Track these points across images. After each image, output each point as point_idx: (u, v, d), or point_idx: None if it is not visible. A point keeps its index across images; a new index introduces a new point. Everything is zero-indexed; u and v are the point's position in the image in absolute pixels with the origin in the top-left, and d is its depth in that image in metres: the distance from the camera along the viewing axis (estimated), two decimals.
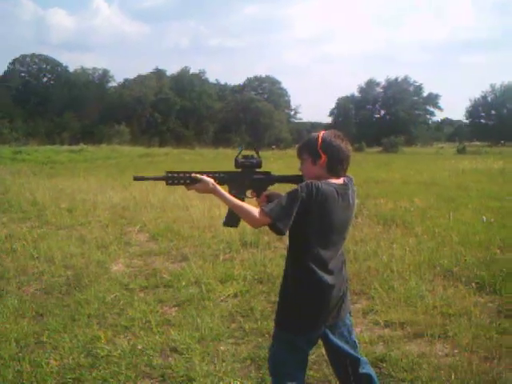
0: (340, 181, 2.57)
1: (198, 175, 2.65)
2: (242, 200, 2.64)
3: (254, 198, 2.80)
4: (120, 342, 4.16)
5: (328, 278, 2.52)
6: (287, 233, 2.49)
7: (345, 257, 2.73)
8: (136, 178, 2.82)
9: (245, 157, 2.75)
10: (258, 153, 2.76)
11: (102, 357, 3.91)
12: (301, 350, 2.62)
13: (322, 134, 2.57)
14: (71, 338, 4.23)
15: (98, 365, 3.80)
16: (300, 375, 2.65)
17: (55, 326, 4.48)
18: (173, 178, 2.69)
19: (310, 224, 2.45)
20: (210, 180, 2.63)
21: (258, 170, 2.79)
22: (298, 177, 2.75)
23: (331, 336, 2.63)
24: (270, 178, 2.81)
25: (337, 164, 2.55)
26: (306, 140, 2.65)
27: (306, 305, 2.53)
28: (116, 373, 3.68)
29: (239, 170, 2.77)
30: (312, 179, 2.49)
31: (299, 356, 2.63)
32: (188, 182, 2.67)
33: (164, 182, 2.73)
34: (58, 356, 3.92)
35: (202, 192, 2.66)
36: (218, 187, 2.62)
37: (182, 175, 2.68)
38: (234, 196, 2.59)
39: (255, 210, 2.45)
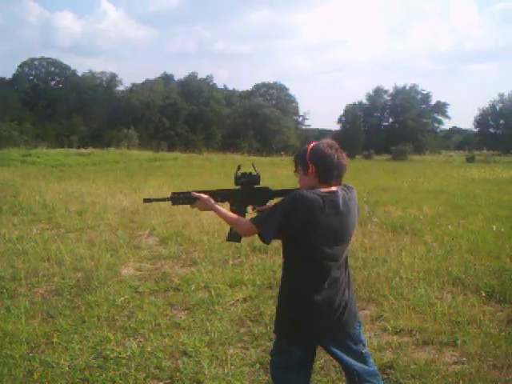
0: (330, 189, 2.54)
1: (195, 193, 2.82)
2: (244, 216, 2.77)
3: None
4: (129, 344, 4.19)
5: (318, 290, 2.52)
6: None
7: (348, 271, 2.68)
8: (145, 201, 3.10)
9: (243, 174, 2.85)
10: (255, 169, 2.83)
11: (111, 358, 3.95)
12: (295, 355, 2.60)
13: (312, 144, 2.60)
14: (81, 340, 4.28)
15: (108, 366, 3.84)
16: (299, 380, 2.64)
17: (65, 328, 4.53)
18: (177, 199, 2.91)
19: (298, 233, 2.47)
20: (206, 197, 2.79)
21: (256, 185, 2.87)
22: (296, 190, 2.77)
23: (330, 346, 2.61)
24: (269, 193, 2.89)
25: (326, 173, 2.54)
26: (298, 152, 2.70)
27: (295, 314, 2.55)
28: (125, 374, 3.72)
29: (238, 187, 2.88)
30: (306, 189, 2.54)
31: (295, 361, 2.60)
32: (190, 200, 2.85)
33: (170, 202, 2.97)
34: (68, 357, 3.96)
35: (202, 209, 2.83)
36: (215, 204, 2.77)
37: (182, 195, 2.89)
38: (234, 212, 2.75)
39: (244, 221, 2.61)
